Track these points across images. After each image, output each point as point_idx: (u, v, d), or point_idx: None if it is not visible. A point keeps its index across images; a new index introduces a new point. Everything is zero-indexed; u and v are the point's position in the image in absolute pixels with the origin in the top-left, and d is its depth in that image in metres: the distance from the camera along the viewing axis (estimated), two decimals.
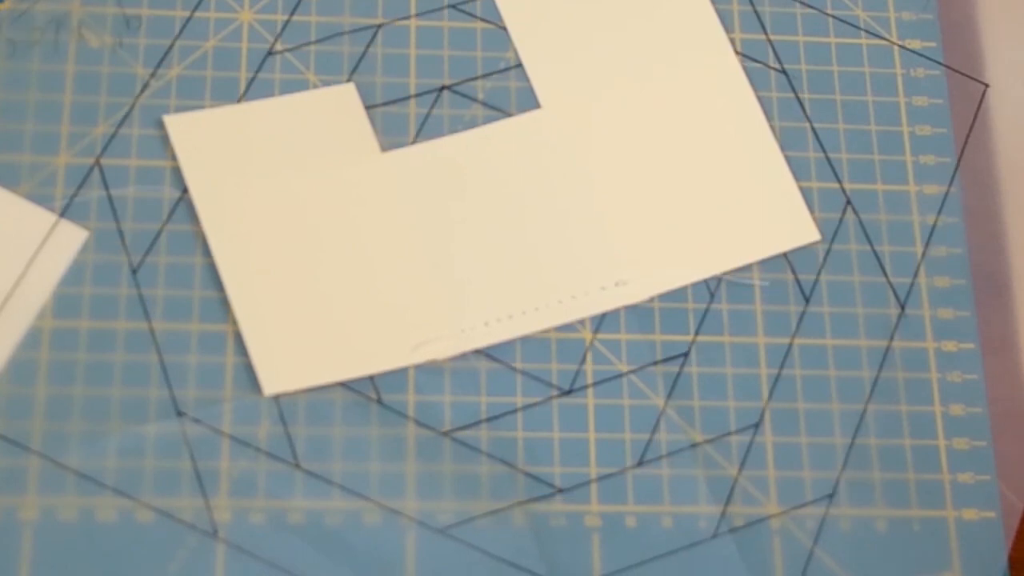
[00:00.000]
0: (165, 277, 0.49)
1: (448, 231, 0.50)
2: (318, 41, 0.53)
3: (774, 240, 0.52)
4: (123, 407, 0.48)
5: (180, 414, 0.47)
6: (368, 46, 0.53)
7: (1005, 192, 0.54)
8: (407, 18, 0.54)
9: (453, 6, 0.54)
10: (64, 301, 0.49)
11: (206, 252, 0.49)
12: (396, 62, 0.53)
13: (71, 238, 0.49)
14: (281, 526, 0.46)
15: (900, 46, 0.55)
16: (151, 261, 0.49)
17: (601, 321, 0.50)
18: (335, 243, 0.50)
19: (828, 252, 0.52)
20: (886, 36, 0.55)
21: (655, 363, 0.50)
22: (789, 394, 0.50)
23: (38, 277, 0.49)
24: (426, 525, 0.47)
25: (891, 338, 0.51)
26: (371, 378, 0.48)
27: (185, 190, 0.50)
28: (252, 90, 0.52)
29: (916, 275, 0.52)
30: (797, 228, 0.52)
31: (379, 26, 0.53)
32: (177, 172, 0.51)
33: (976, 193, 0.53)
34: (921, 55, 0.55)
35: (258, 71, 0.52)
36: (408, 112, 0.52)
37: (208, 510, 0.46)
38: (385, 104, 0.52)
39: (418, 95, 0.53)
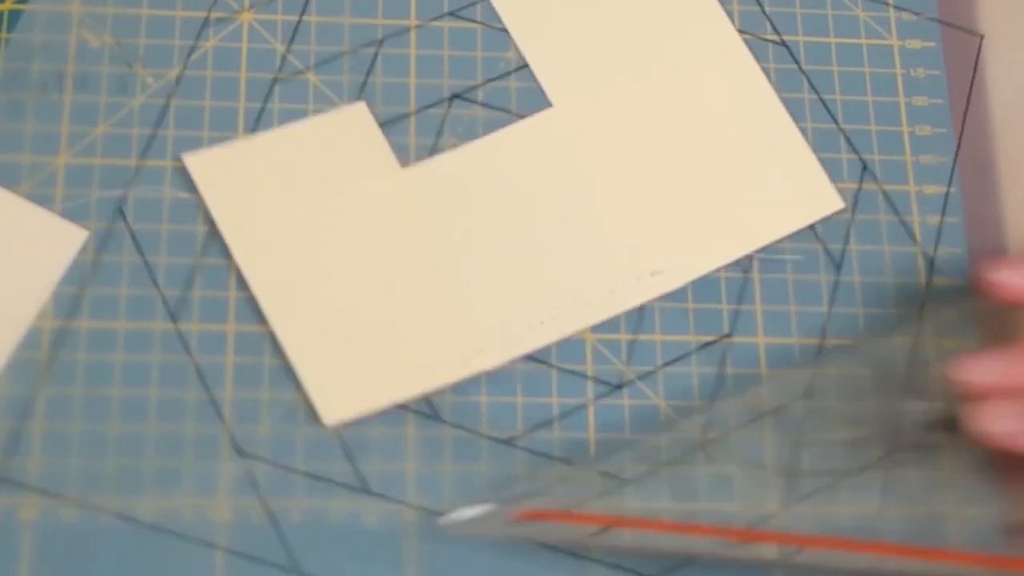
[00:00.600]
0: (200, 311, 0.49)
1: (480, 238, 0.50)
2: (318, 66, 0.53)
3: (801, 213, 0.52)
4: (123, 406, 0.48)
5: (240, 455, 0.47)
6: (372, 62, 0.53)
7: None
8: (407, 29, 0.54)
9: (452, 13, 0.54)
10: (64, 301, 0.49)
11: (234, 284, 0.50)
12: (399, 72, 0.53)
13: (71, 238, 0.49)
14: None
15: (900, 45, 0.56)
16: (188, 295, 0.49)
17: (640, 316, 0.50)
18: (370, 263, 0.50)
19: (852, 221, 0.52)
20: (886, 37, 0.56)
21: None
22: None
23: (38, 277, 0.49)
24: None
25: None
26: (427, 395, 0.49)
27: (213, 225, 0.50)
28: (252, 89, 0.52)
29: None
30: (821, 198, 0.52)
31: (381, 41, 0.53)
32: (179, 172, 0.51)
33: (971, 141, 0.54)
34: (920, 55, 0.56)
35: (267, 97, 0.52)
36: (420, 123, 0.52)
37: (209, 510, 0.47)
38: (397, 119, 0.52)
39: (429, 107, 0.53)
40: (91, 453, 0.47)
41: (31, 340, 0.48)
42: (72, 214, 0.50)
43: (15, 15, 0.52)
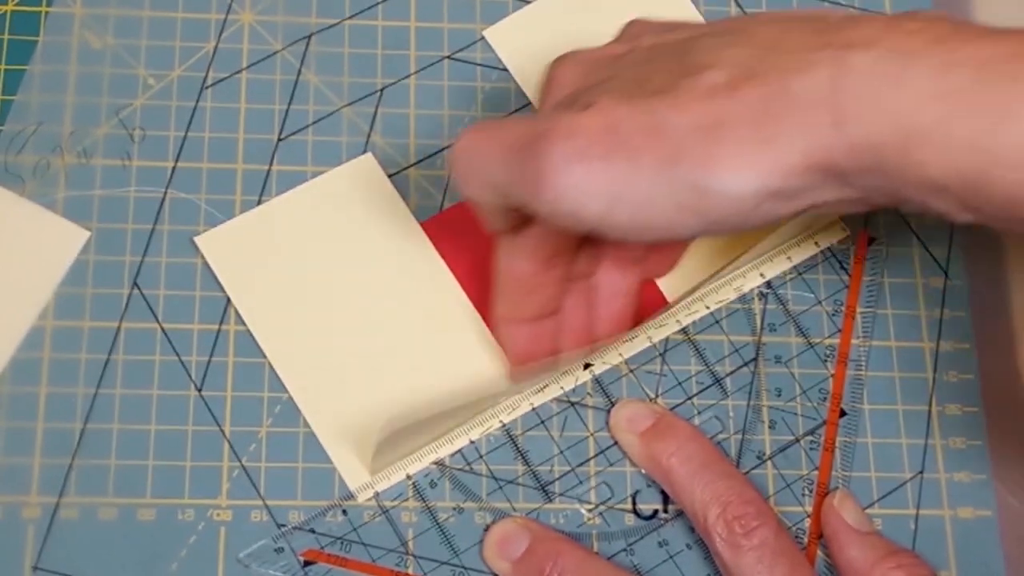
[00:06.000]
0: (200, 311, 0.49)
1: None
2: (317, 122, 0.53)
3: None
4: (123, 406, 0.48)
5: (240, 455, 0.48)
6: (376, 107, 0.53)
7: None
8: (407, 76, 0.53)
9: (450, 56, 0.54)
10: (65, 301, 0.49)
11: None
12: (399, 122, 0.53)
13: (72, 238, 0.50)
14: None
15: None
16: (190, 295, 0.50)
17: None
18: (392, 321, 0.49)
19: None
20: None
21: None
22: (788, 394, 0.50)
23: (40, 277, 0.49)
24: None
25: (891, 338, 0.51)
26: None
27: (229, 300, 0.50)
28: (252, 90, 0.52)
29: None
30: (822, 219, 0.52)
31: (381, 89, 0.53)
32: (177, 170, 0.51)
33: None
34: None
35: (290, 119, 0.52)
36: (425, 172, 0.52)
37: (210, 510, 0.47)
38: (405, 168, 0.52)
39: (435, 154, 0.52)
40: (92, 452, 0.47)
41: (33, 340, 0.48)
42: (73, 214, 0.50)
43: (17, 16, 0.52)
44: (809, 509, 0.49)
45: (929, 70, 0.37)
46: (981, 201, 0.37)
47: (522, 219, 0.45)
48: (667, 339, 0.50)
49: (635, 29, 0.47)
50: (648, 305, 0.49)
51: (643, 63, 0.42)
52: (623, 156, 0.39)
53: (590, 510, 0.48)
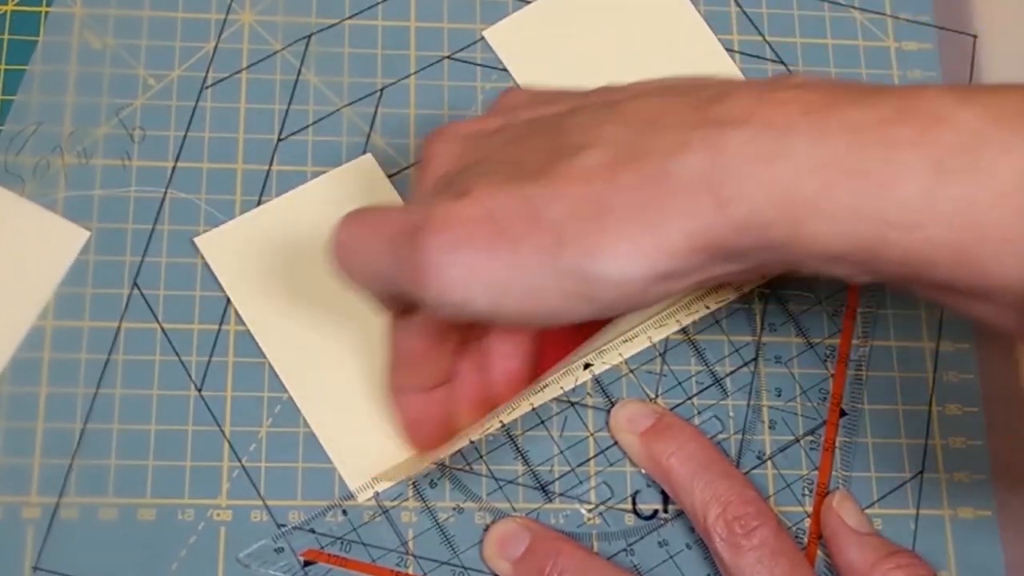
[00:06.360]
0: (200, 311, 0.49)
1: None
2: (317, 122, 0.53)
3: None
4: (123, 406, 0.48)
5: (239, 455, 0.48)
6: (376, 107, 0.53)
7: None
8: (407, 76, 0.53)
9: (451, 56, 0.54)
10: (65, 301, 0.49)
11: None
12: (399, 122, 0.53)
13: (72, 238, 0.50)
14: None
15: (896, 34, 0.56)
16: (190, 294, 0.50)
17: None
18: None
19: None
20: (883, 39, 0.56)
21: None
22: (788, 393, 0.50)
23: (40, 277, 0.49)
24: None
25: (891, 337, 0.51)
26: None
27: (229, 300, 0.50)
28: (252, 90, 0.52)
29: None
30: None
31: (381, 89, 0.53)
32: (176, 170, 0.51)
33: None
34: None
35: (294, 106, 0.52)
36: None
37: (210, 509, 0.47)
38: (405, 168, 0.52)
39: None
40: (92, 452, 0.47)
41: (33, 340, 0.48)
42: (73, 214, 0.50)
43: (17, 16, 0.52)
44: (809, 509, 0.49)
45: (804, 142, 0.36)
46: (880, 264, 0.37)
47: (411, 303, 0.43)
48: (667, 339, 0.50)
49: (510, 100, 0.46)
50: (551, 353, 0.48)
51: (518, 141, 0.41)
52: (504, 247, 0.38)
53: (590, 510, 0.48)
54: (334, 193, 0.51)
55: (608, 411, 0.49)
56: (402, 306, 0.44)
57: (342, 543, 0.47)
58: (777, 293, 0.51)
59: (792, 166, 0.36)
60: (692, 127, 0.38)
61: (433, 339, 0.45)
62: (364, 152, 0.52)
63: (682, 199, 0.37)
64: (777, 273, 0.38)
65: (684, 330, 0.50)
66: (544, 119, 0.42)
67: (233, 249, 0.50)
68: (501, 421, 0.48)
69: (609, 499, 0.48)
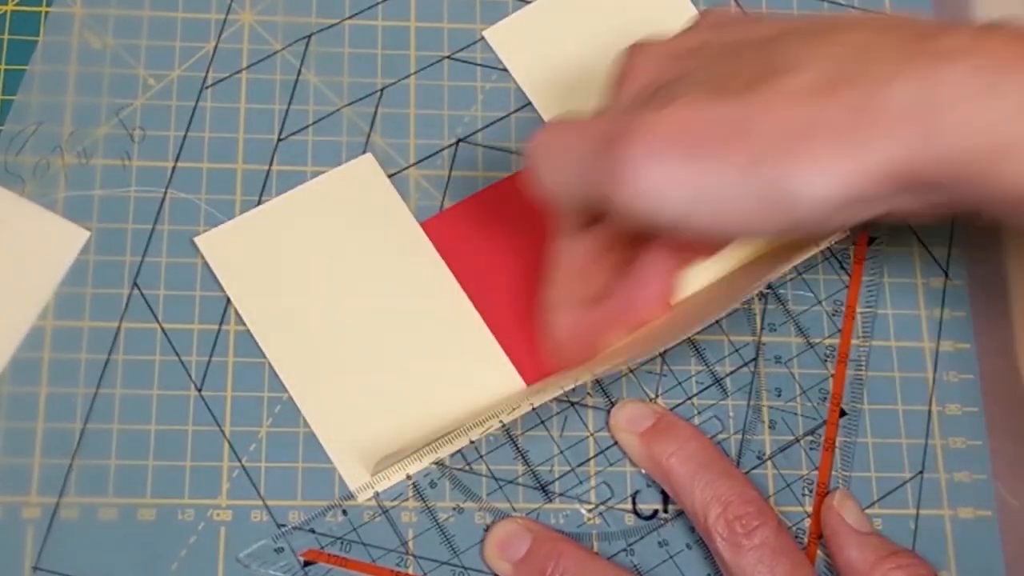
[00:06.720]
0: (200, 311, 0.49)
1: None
2: (317, 122, 0.53)
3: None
4: (123, 406, 0.48)
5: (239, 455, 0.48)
6: (376, 107, 0.53)
7: None
8: (407, 76, 0.53)
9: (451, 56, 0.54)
10: (65, 301, 0.49)
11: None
12: (399, 122, 0.53)
13: (72, 238, 0.50)
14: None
15: None
16: (190, 294, 0.50)
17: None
18: (393, 321, 0.49)
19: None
20: None
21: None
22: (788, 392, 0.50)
23: (40, 277, 0.49)
24: None
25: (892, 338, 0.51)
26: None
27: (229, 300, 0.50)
28: (252, 90, 0.52)
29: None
30: None
31: (381, 89, 0.53)
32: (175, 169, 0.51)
33: None
34: None
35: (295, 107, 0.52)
36: (425, 172, 0.52)
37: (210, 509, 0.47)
38: (405, 168, 0.52)
39: (435, 154, 0.52)
40: (92, 452, 0.47)
41: (33, 340, 0.48)
42: (73, 214, 0.50)
43: (17, 16, 0.52)
44: (809, 509, 0.49)
45: (1018, 83, 0.37)
46: None
47: (593, 219, 0.45)
48: None
49: (712, 19, 0.46)
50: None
51: (721, 59, 0.42)
52: (705, 156, 0.39)
53: (590, 510, 0.48)
54: (334, 193, 0.51)
55: (608, 411, 0.49)
56: (585, 217, 0.45)
57: (342, 543, 0.47)
58: (777, 293, 0.51)
59: (1005, 105, 0.37)
60: (907, 58, 0.38)
61: (598, 255, 0.46)
62: (364, 152, 0.52)
63: (889, 126, 0.38)
64: (949, 215, 0.39)
65: None
66: (749, 40, 0.43)
67: (233, 249, 0.50)
68: (501, 421, 0.49)
69: (609, 499, 0.48)
